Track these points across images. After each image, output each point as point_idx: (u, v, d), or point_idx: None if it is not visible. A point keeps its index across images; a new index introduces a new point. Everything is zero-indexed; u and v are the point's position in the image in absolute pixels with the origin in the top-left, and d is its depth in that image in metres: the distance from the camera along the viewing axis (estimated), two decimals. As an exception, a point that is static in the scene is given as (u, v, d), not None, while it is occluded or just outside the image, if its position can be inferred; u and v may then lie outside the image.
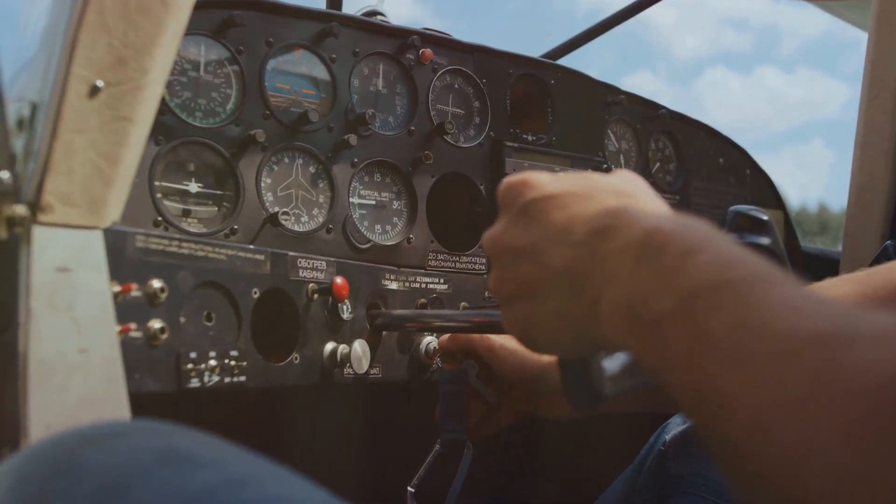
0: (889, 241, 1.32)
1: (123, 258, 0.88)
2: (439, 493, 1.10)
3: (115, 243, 0.87)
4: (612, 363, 0.77)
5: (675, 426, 1.17)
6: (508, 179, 0.71)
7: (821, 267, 2.10)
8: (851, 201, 1.90)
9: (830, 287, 1.01)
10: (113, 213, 0.85)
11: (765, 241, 0.91)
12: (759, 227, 0.92)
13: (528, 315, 0.66)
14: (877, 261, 1.32)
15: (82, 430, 0.57)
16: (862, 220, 1.87)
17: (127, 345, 0.87)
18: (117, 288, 0.86)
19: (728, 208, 1.04)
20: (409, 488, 1.09)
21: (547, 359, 1.02)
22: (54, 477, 0.52)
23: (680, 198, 1.79)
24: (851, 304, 0.44)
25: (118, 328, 0.84)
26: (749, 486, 0.44)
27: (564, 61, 1.65)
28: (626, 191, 0.67)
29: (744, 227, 0.92)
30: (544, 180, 0.68)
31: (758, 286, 0.47)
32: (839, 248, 1.96)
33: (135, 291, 0.88)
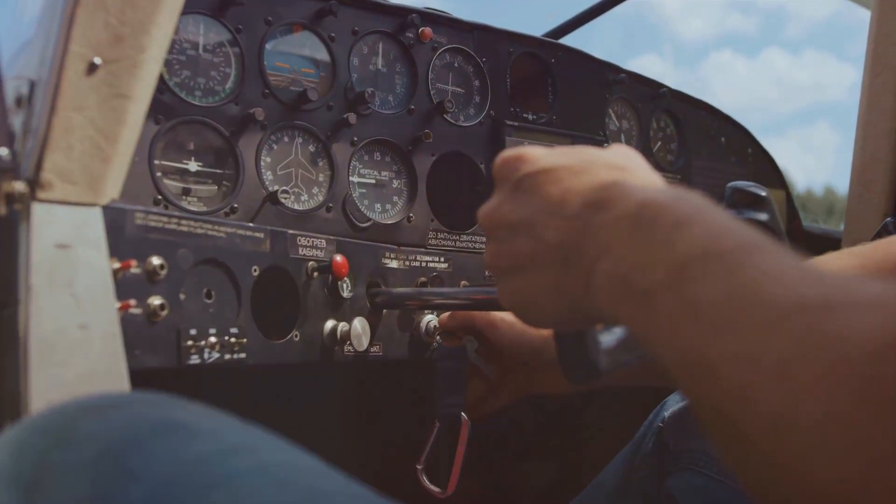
0: (889, 219, 1.32)
1: (123, 235, 0.88)
2: (444, 469, 1.12)
3: (115, 220, 0.87)
4: (608, 337, 0.77)
5: (674, 403, 1.18)
6: (504, 154, 0.71)
7: (823, 246, 2.10)
8: (854, 180, 1.89)
9: (831, 261, 1.01)
10: (112, 190, 0.86)
11: (763, 216, 0.91)
12: (758, 202, 0.91)
13: (523, 288, 0.67)
14: (877, 238, 1.32)
15: (81, 401, 0.58)
16: (864, 199, 1.87)
17: (127, 321, 0.87)
18: (117, 265, 0.86)
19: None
20: (417, 466, 1.11)
21: (546, 332, 1.03)
22: (53, 445, 0.53)
23: (681, 177, 1.79)
24: (839, 274, 0.44)
25: (118, 304, 0.84)
26: (734, 452, 0.44)
27: (571, 42, 1.64)
28: (620, 164, 0.67)
29: (742, 202, 0.91)
30: (539, 155, 0.69)
31: (747, 256, 0.47)
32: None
33: (134, 268, 0.88)
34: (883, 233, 1.31)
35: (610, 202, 0.59)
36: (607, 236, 0.58)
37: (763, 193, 1.00)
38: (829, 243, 2.10)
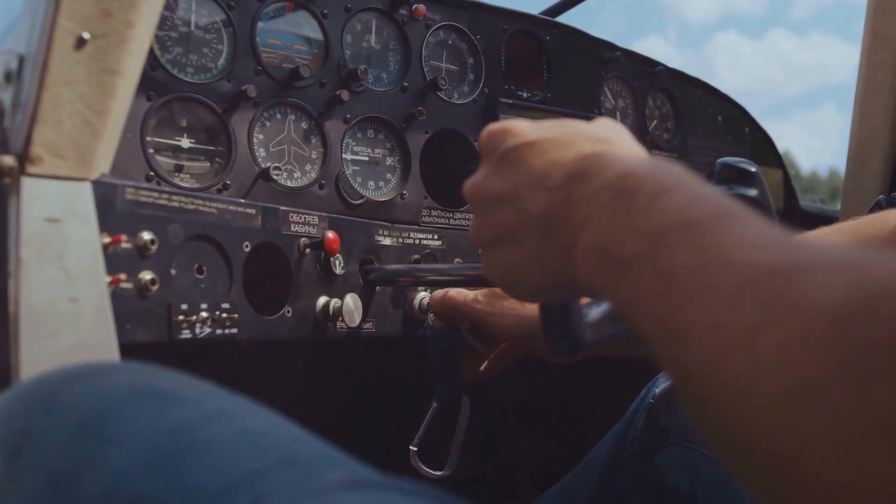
0: (882, 196, 1.32)
1: (113, 210, 0.89)
2: (440, 450, 1.12)
3: (105, 195, 0.88)
4: (593, 310, 0.78)
5: (665, 380, 1.18)
6: (489, 128, 0.72)
7: (820, 225, 2.10)
8: (850, 158, 1.89)
9: (822, 236, 1.01)
10: (102, 165, 0.86)
11: (753, 192, 0.91)
12: (747, 178, 0.92)
13: (507, 260, 0.67)
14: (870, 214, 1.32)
15: (65, 370, 0.58)
16: (861, 177, 1.87)
17: (118, 295, 0.88)
18: (107, 239, 0.87)
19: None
20: (411, 447, 1.10)
21: (533, 308, 1.03)
22: (38, 412, 0.54)
23: (677, 155, 1.79)
24: (812, 239, 0.44)
25: (108, 278, 0.85)
26: (704, 420, 0.44)
27: (575, 24, 1.63)
28: (604, 137, 0.67)
29: (732, 178, 0.91)
30: (524, 128, 0.69)
31: (721, 223, 0.48)
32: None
33: (125, 243, 0.89)
34: (876, 209, 1.31)
35: (592, 173, 0.60)
36: (588, 207, 0.58)
37: (752, 169, 1.00)
38: (826, 222, 2.09)
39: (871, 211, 1.31)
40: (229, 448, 0.48)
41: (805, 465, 0.37)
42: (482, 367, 1.17)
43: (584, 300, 0.81)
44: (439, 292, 1.18)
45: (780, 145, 2.08)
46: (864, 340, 0.36)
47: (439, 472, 1.07)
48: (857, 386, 0.35)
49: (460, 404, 1.12)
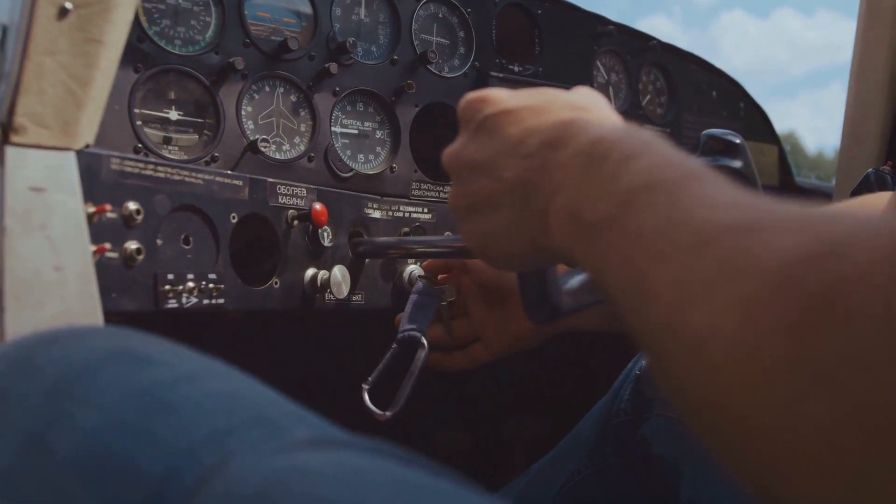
0: (871, 169, 1.32)
1: (98, 180, 0.89)
2: (392, 392, 1.09)
3: (90, 165, 0.88)
4: (571, 279, 0.79)
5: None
6: (468, 96, 0.72)
7: (815, 201, 2.11)
8: (845, 134, 1.89)
9: None
10: (86, 135, 0.87)
11: (737, 164, 0.91)
12: (732, 150, 0.92)
13: (484, 228, 0.68)
14: (859, 188, 1.33)
15: (44, 333, 0.59)
16: (855, 153, 1.87)
17: (103, 265, 0.89)
18: (92, 209, 0.88)
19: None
20: (363, 385, 1.07)
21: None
22: (14, 375, 0.55)
23: (671, 130, 1.79)
24: (773, 199, 0.45)
25: (93, 247, 0.86)
26: (665, 381, 0.45)
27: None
28: (580, 104, 0.68)
29: (716, 150, 0.92)
30: (502, 96, 0.70)
31: (686, 184, 0.48)
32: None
33: (110, 213, 0.89)
34: (865, 183, 1.31)
35: (565, 140, 0.60)
36: (562, 174, 0.59)
37: (737, 140, 1.00)
38: (821, 198, 2.10)
39: (861, 184, 1.32)
40: (198, 408, 0.49)
41: (755, 420, 0.38)
42: (449, 357, 1.16)
43: (564, 270, 0.82)
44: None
45: (786, 125, 2.09)
46: (813, 293, 0.36)
47: (387, 413, 1.04)
48: (804, 337, 0.36)
49: (418, 348, 1.09)
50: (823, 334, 0.35)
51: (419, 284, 1.14)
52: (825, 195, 2.04)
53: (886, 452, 0.33)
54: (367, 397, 1.06)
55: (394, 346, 1.10)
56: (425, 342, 1.08)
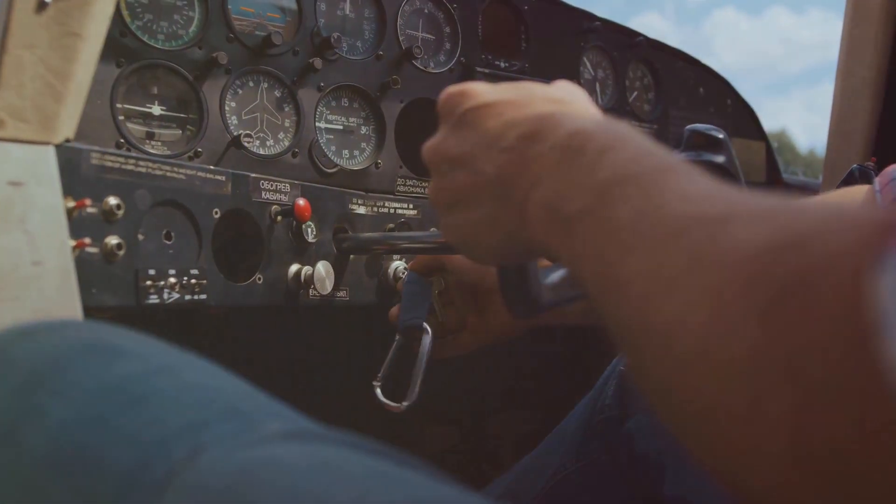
0: (855, 165, 1.32)
1: (78, 175, 0.89)
2: (403, 383, 1.09)
3: (70, 160, 0.87)
4: (552, 274, 0.78)
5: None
6: (448, 90, 0.72)
7: (802, 197, 2.11)
8: (832, 131, 1.90)
9: None
10: (66, 129, 0.86)
11: (720, 159, 0.91)
12: (715, 145, 0.92)
13: (464, 223, 0.68)
14: (843, 184, 1.33)
15: (19, 327, 0.59)
16: (842, 150, 1.87)
17: (83, 260, 0.88)
18: (72, 203, 0.87)
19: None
20: (374, 383, 1.07)
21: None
22: None
23: (658, 127, 1.79)
24: (744, 191, 0.45)
25: (73, 242, 0.85)
26: (638, 372, 0.45)
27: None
28: (559, 98, 0.67)
29: (699, 145, 0.92)
30: (482, 90, 0.70)
31: (661, 177, 0.48)
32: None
33: (90, 207, 0.89)
34: (849, 179, 1.31)
35: (544, 133, 0.60)
36: (540, 167, 0.59)
37: (720, 136, 1.00)
38: (808, 194, 2.10)
39: (845, 180, 1.32)
40: (171, 401, 0.49)
41: (724, 410, 0.38)
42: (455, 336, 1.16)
43: (545, 264, 0.82)
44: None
45: (778, 123, 2.09)
46: (781, 283, 0.36)
47: (403, 404, 1.04)
48: (772, 327, 0.36)
49: (422, 335, 1.08)
50: (791, 324, 0.35)
51: (409, 274, 1.13)
52: (812, 192, 2.05)
53: (853, 442, 0.33)
54: (379, 392, 1.06)
55: (397, 338, 1.09)
56: (429, 328, 1.08)
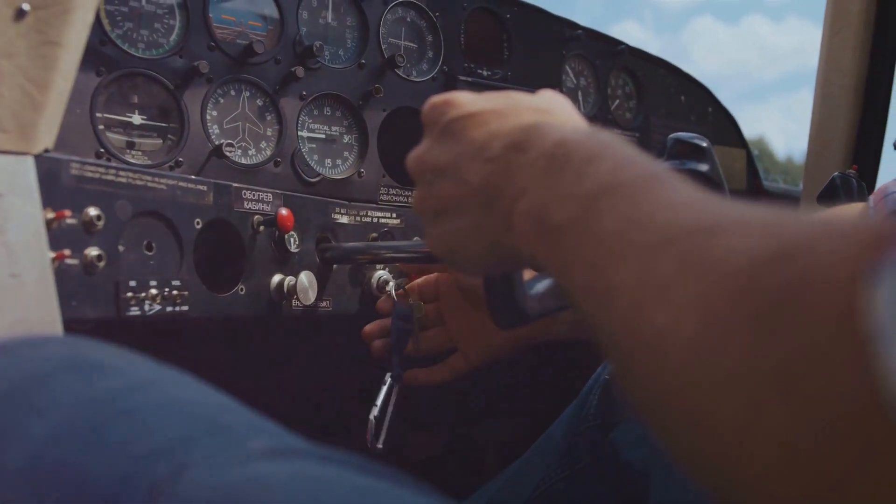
0: (837, 173, 1.33)
1: (58, 186, 0.87)
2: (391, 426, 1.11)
3: (49, 170, 0.86)
4: (538, 284, 0.78)
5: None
6: (432, 99, 0.72)
7: (783, 205, 2.12)
8: (812, 138, 1.91)
9: None
10: (45, 139, 0.85)
11: (704, 167, 0.91)
12: (699, 153, 0.92)
13: (448, 232, 0.68)
14: (824, 193, 1.34)
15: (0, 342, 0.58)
16: (822, 157, 1.89)
17: (63, 271, 0.87)
18: (51, 214, 0.86)
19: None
20: (370, 418, 1.09)
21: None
22: None
23: (640, 135, 1.79)
24: (733, 201, 0.45)
25: (52, 254, 0.84)
26: (627, 382, 0.45)
27: (550, 7, 1.63)
28: (544, 107, 0.67)
29: (683, 153, 0.92)
30: (466, 99, 0.69)
31: (647, 186, 0.48)
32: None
33: (69, 219, 0.88)
34: (831, 186, 1.32)
35: (529, 143, 0.60)
36: (525, 177, 0.59)
37: (704, 144, 1.00)
38: (788, 202, 2.11)
39: (827, 189, 1.33)
40: (153, 416, 0.48)
41: (713, 419, 0.38)
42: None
43: (530, 275, 0.81)
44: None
45: (756, 130, 2.10)
46: (772, 293, 0.36)
47: (378, 446, 1.08)
48: (762, 337, 0.36)
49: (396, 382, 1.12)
50: (781, 334, 0.35)
51: (397, 309, 1.14)
52: (793, 199, 2.06)
53: (842, 452, 0.33)
54: (372, 428, 1.09)
55: (388, 381, 1.12)
56: (391, 379, 1.12)
